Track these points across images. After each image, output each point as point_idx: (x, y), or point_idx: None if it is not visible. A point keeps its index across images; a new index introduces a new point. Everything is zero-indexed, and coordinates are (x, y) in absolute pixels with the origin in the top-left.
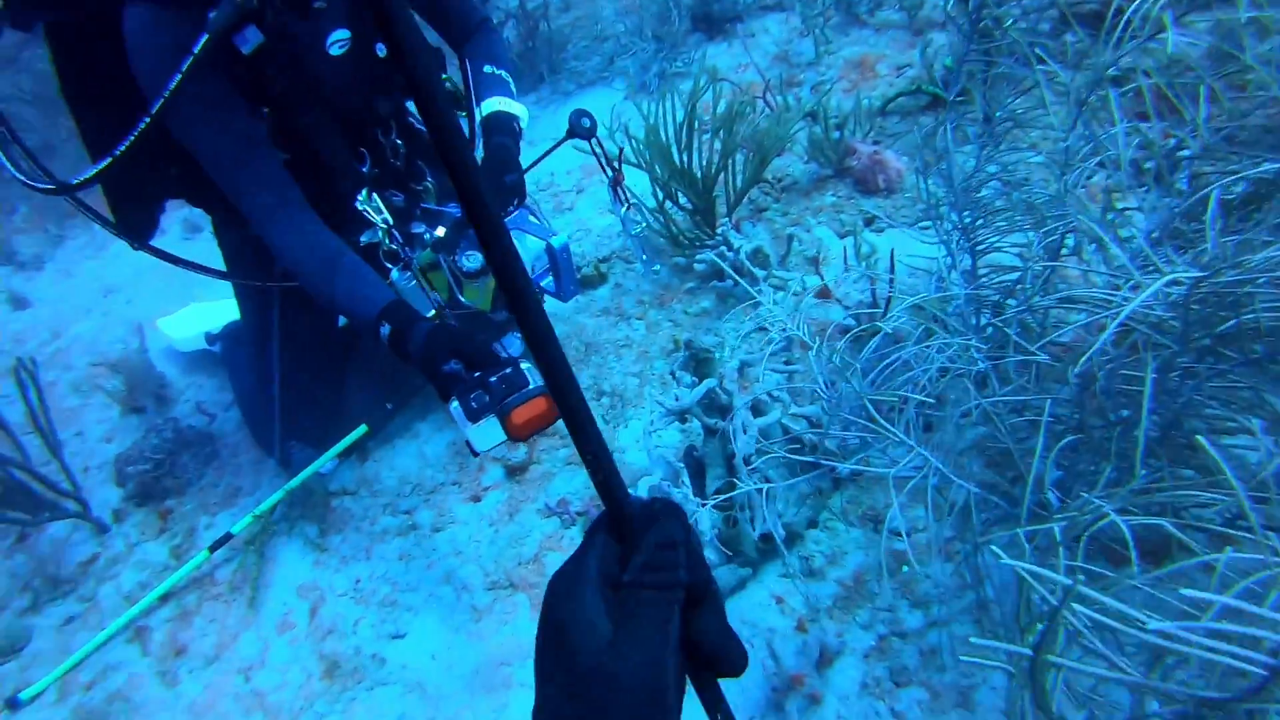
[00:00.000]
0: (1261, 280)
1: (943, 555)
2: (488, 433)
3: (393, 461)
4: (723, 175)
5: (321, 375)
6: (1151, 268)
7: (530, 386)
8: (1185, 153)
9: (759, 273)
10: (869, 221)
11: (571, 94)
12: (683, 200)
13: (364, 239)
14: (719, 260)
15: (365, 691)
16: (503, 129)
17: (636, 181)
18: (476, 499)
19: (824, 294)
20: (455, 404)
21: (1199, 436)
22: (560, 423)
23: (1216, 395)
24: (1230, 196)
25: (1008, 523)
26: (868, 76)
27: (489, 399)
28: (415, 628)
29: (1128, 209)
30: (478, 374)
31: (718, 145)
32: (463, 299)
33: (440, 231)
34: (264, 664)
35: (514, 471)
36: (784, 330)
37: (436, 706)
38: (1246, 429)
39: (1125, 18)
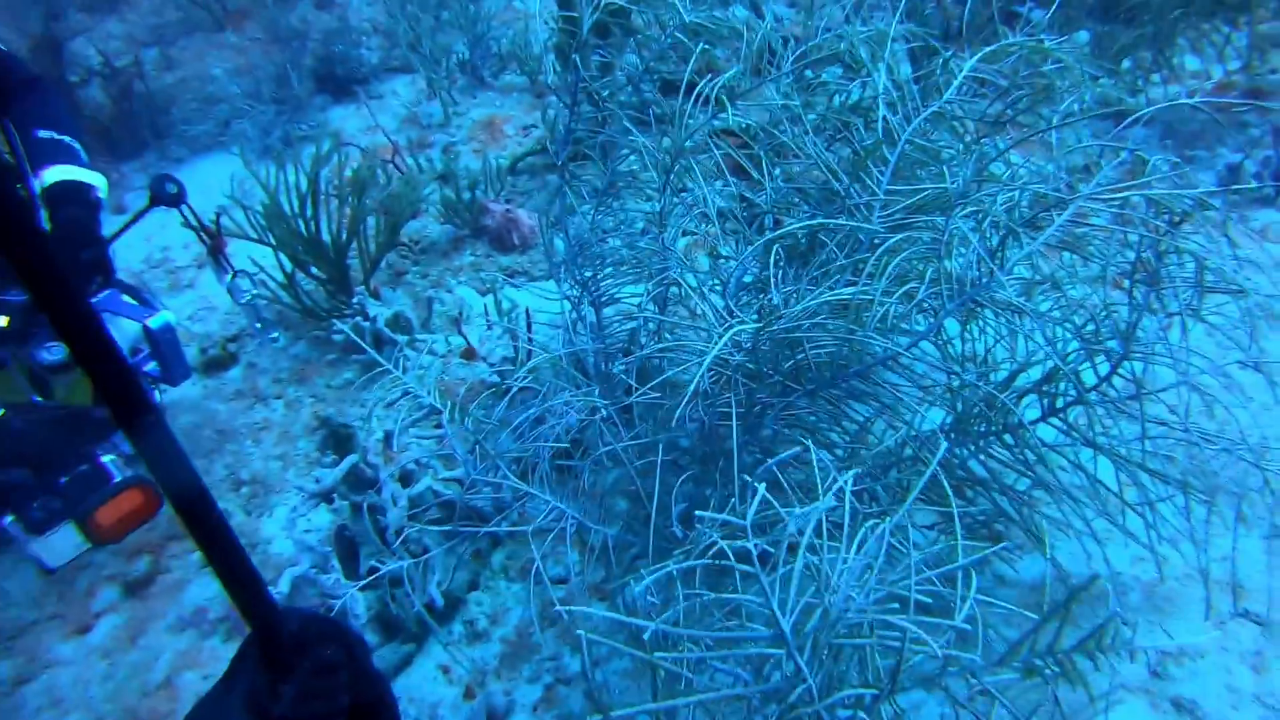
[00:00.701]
0: (805, 325)
1: (596, 595)
2: (62, 544)
3: None
4: (356, 242)
5: None
6: (735, 316)
7: (116, 480)
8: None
9: (401, 338)
10: (510, 276)
11: (185, 160)
12: (315, 270)
13: None
14: (351, 334)
15: None
16: (72, 199)
17: (263, 254)
18: (84, 630)
19: (468, 354)
20: (9, 519)
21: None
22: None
23: (791, 422)
24: (792, 243)
25: (650, 556)
26: (496, 137)
27: (59, 505)
28: None
29: (723, 257)
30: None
31: (348, 211)
32: (37, 399)
33: (2, 321)
34: None
35: (135, 587)
36: (416, 398)
37: None
38: (806, 445)
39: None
